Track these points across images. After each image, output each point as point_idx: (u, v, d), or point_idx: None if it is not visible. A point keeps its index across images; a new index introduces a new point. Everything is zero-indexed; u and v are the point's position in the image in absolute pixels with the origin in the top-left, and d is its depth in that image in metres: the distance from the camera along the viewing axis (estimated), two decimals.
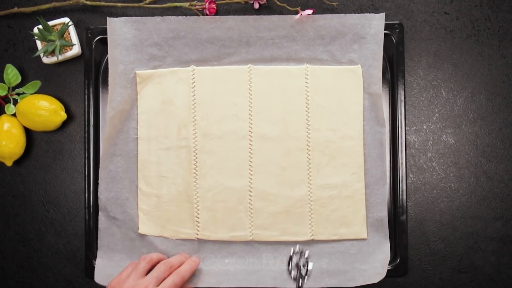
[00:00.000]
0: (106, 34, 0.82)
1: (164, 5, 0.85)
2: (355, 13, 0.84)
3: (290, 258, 0.82)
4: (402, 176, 0.84)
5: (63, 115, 0.83)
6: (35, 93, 0.85)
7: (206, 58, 0.84)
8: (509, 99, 0.86)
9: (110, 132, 0.82)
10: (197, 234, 0.83)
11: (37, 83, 0.84)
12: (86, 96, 0.84)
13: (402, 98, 0.84)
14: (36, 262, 0.86)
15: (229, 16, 0.83)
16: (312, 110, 0.83)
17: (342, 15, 0.82)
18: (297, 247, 0.82)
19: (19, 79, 0.84)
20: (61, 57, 0.83)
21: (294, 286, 0.81)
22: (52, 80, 0.86)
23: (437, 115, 0.86)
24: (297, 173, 0.83)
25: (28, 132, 0.86)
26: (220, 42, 0.83)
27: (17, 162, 0.86)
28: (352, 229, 0.83)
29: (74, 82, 0.86)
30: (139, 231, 0.83)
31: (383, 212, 0.83)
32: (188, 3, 0.84)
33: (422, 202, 0.86)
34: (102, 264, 0.83)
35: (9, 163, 0.84)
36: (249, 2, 0.85)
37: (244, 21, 0.82)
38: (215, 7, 0.84)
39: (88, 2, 0.85)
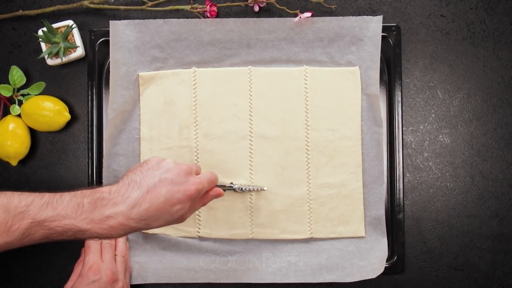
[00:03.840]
0: (109, 36, 0.83)
1: (166, 8, 0.86)
2: (353, 15, 0.85)
3: None
4: (399, 175, 0.85)
5: (67, 116, 0.84)
6: (39, 94, 0.85)
7: (207, 60, 0.85)
8: (504, 100, 0.87)
9: (111, 132, 0.84)
10: (198, 232, 0.84)
11: (42, 84, 0.85)
12: (89, 97, 0.86)
13: (399, 99, 0.85)
14: (40, 260, 0.87)
15: (229, 18, 0.84)
16: (311, 111, 0.85)
17: (341, 17, 0.83)
18: None
19: (24, 80, 0.85)
20: (65, 59, 0.84)
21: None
22: (56, 82, 0.87)
23: (433, 115, 0.87)
24: (296, 172, 0.84)
25: (32, 133, 0.86)
26: (221, 44, 0.84)
27: (22, 162, 0.86)
28: (350, 227, 0.84)
29: (78, 83, 0.87)
30: None
31: (380, 211, 0.84)
32: (190, 6, 0.85)
33: (418, 201, 0.87)
34: None
35: (14, 162, 0.85)
36: (249, 5, 0.86)
37: (245, 23, 0.83)
38: (216, 10, 0.85)
39: (91, 5, 0.86)
